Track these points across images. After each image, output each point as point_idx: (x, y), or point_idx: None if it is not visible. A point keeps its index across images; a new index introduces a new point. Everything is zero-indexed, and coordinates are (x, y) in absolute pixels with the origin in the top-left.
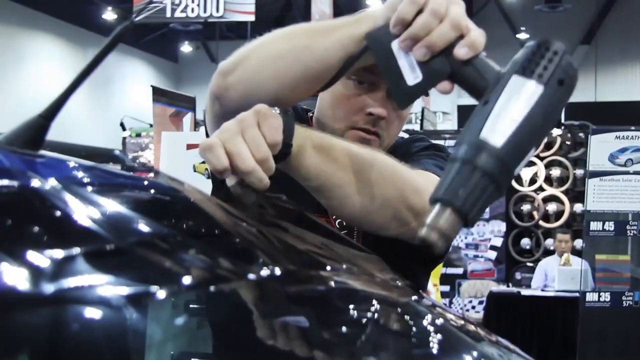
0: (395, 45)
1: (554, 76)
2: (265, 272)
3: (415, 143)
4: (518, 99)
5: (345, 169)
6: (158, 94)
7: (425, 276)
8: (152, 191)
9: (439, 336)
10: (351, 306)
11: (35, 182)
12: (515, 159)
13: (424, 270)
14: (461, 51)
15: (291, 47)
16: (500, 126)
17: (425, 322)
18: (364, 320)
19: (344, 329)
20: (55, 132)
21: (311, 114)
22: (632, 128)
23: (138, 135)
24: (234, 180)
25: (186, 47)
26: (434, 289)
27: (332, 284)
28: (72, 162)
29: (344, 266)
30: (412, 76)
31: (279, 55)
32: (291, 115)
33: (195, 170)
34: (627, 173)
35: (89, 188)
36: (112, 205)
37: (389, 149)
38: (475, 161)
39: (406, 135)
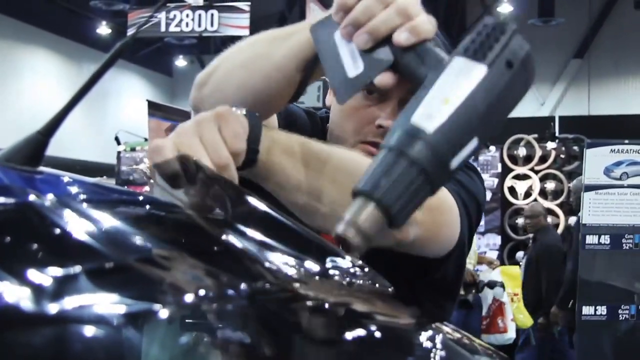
0: (338, 35)
1: (500, 57)
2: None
3: None
4: (456, 80)
5: (317, 175)
6: (153, 108)
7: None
8: (152, 207)
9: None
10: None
11: (34, 199)
12: (450, 148)
13: (427, 289)
14: (401, 36)
15: (252, 56)
16: (434, 110)
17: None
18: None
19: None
20: (50, 146)
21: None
22: (627, 142)
23: (133, 149)
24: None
25: (181, 62)
26: (509, 299)
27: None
28: (71, 178)
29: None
30: (353, 67)
31: (241, 65)
32: (257, 117)
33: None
34: (623, 187)
35: (88, 204)
36: (112, 222)
37: None
38: (403, 148)
39: None
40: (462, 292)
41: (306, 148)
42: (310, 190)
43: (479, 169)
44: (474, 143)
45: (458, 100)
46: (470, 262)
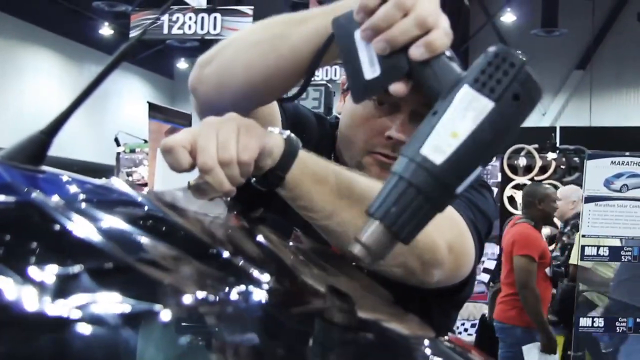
0: (358, 34)
1: (509, 90)
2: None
3: None
4: (465, 114)
5: (347, 207)
6: (154, 110)
7: (442, 312)
8: (154, 207)
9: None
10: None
11: (37, 198)
12: (457, 178)
13: (440, 305)
14: (416, 51)
15: (267, 36)
16: (442, 142)
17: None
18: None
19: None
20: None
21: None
22: (628, 154)
23: (132, 151)
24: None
25: (182, 64)
26: None
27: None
28: (73, 178)
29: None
30: (370, 70)
31: (254, 44)
32: (297, 142)
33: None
34: (623, 199)
35: (90, 204)
36: (113, 222)
37: None
38: (411, 178)
39: None
40: None
41: (339, 178)
42: (336, 218)
43: None
44: (478, 170)
45: (465, 133)
46: None
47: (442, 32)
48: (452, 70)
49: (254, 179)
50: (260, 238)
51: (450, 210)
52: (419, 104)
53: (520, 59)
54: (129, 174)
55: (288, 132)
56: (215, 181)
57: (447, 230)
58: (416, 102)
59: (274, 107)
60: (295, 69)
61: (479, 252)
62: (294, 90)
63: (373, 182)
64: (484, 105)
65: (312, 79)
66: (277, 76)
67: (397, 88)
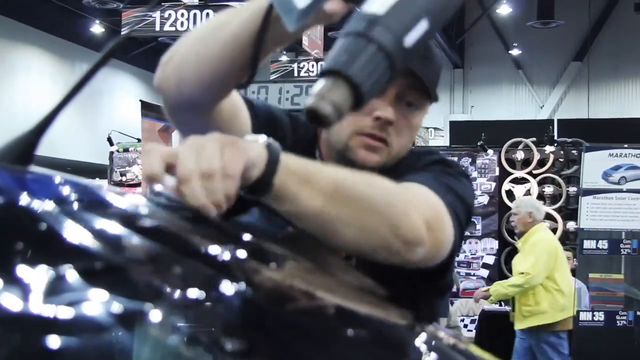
0: None
1: None
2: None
3: (423, 156)
4: None
5: (333, 203)
6: (147, 109)
7: (428, 301)
8: (143, 208)
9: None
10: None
11: (25, 199)
12: (402, 26)
13: (426, 294)
14: None
15: (209, 29)
16: None
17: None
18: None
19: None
20: (42, 146)
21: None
22: (626, 146)
23: (126, 150)
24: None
25: None
26: None
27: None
28: (62, 178)
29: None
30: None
31: (199, 38)
32: (278, 149)
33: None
34: (621, 191)
35: (79, 205)
36: (102, 223)
37: (396, 162)
38: (359, 29)
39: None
40: None
41: (322, 174)
42: (324, 216)
43: (476, 172)
44: (424, 24)
45: None
46: None
47: None
48: None
49: (242, 190)
50: (244, 235)
51: (427, 192)
52: (404, 86)
53: None
54: (122, 174)
55: (266, 137)
56: (190, 193)
57: (426, 210)
58: (401, 85)
59: (238, 105)
60: (239, 55)
61: (460, 236)
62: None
63: (355, 174)
64: None
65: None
66: (224, 65)
67: (332, 5)
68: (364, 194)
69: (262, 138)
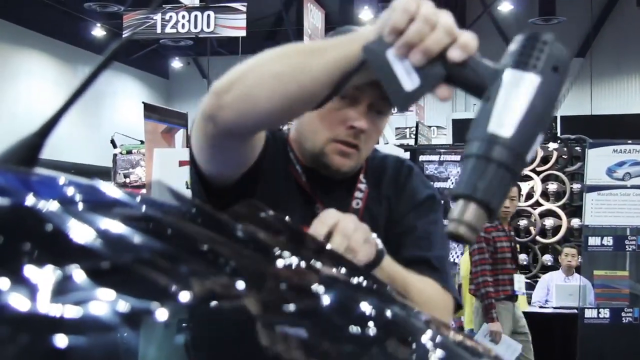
0: (390, 53)
1: (548, 64)
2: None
3: (402, 170)
4: (518, 91)
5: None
6: (149, 111)
7: None
8: (150, 208)
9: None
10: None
11: (30, 200)
12: (526, 146)
13: None
14: (455, 53)
15: (287, 68)
16: (505, 119)
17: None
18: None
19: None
20: (45, 149)
21: (287, 131)
22: (630, 142)
23: (129, 152)
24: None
25: (177, 63)
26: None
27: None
28: (67, 179)
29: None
30: (410, 81)
31: (275, 75)
32: (382, 251)
33: (188, 187)
34: (625, 187)
35: (85, 206)
36: (109, 223)
37: (363, 161)
38: (489, 154)
39: (392, 149)
40: None
41: (402, 277)
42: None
43: None
44: (540, 136)
45: (523, 107)
46: None
47: (470, 35)
48: (485, 64)
49: None
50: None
51: (442, 295)
52: (376, 97)
53: (551, 36)
54: (125, 176)
55: (380, 243)
56: (337, 247)
57: (445, 315)
58: (373, 96)
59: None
60: (315, 97)
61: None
62: None
63: (411, 277)
64: (531, 80)
65: None
66: (298, 104)
67: (444, 93)
68: (420, 287)
69: (379, 242)
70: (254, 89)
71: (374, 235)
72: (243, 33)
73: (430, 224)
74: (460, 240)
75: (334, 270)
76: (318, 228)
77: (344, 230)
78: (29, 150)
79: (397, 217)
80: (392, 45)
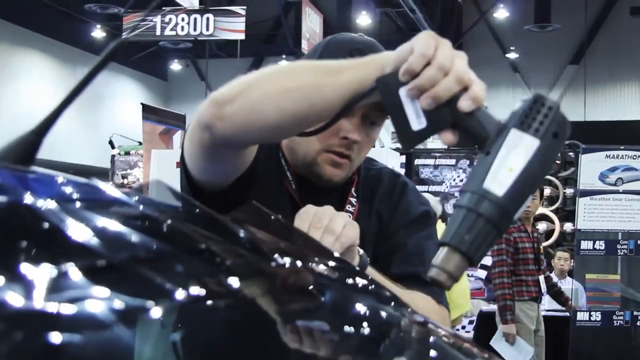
0: (403, 91)
1: (549, 130)
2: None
3: (396, 186)
4: (517, 152)
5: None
6: (148, 112)
7: None
8: (146, 207)
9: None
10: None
11: (27, 198)
12: (515, 206)
13: None
14: (465, 104)
15: (298, 85)
16: (501, 177)
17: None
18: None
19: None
20: (44, 150)
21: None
22: (622, 147)
23: (127, 153)
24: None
25: (176, 65)
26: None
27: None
28: (64, 178)
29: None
30: (417, 122)
31: (284, 91)
32: (365, 259)
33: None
34: (618, 192)
35: (82, 204)
36: (105, 221)
37: (355, 170)
38: (479, 209)
39: (388, 152)
40: None
41: (387, 285)
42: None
43: None
44: (530, 197)
45: (519, 168)
46: None
47: (481, 86)
48: (492, 118)
49: None
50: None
51: (435, 308)
52: (369, 109)
53: (556, 103)
54: (124, 176)
55: (362, 251)
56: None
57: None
58: (367, 107)
59: None
60: (322, 117)
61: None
62: None
63: (406, 290)
64: (531, 144)
65: None
66: (304, 121)
67: (449, 138)
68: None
69: (361, 250)
70: (260, 104)
71: (358, 247)
72: (242, 36)
73: (423, 239)
74: (439, 286)
75: (329, 270)
76: (298, 225)
77: (319, 219)
78: (27, 148)
79: (388, 234)
80: (405, 84)
